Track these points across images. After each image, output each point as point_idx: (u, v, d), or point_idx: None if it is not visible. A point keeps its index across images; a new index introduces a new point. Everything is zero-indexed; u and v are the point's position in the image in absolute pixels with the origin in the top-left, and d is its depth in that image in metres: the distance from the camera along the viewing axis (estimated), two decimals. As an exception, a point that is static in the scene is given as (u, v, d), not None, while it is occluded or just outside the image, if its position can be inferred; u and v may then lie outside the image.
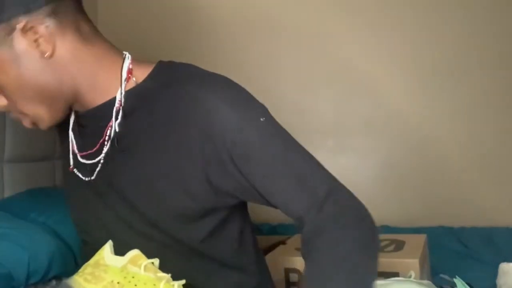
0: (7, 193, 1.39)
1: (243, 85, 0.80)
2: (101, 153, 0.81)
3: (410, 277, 0.91)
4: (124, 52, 0.81)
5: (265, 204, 0.78)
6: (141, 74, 0.80)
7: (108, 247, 0.76)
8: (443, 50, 1.85)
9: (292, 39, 1.99)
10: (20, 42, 0.70)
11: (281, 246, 1.37)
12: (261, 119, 0.75)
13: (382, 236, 1.35)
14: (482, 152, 1.83)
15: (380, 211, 1.94)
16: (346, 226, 0.70)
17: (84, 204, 0.86)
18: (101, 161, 0.81)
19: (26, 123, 0.78)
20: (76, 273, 0.75)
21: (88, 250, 0.83)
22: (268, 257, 1.25)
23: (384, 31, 1.91)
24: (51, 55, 0.72)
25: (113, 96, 0.78)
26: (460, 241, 1.68)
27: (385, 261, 1.13)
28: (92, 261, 0.76)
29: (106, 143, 0.80)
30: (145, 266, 0.73)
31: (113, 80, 0.78)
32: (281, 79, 2.00)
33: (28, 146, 1.48)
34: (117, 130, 0.79)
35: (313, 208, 0.72)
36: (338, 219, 0.71)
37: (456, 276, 0.99)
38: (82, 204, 0.87)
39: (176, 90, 0.76)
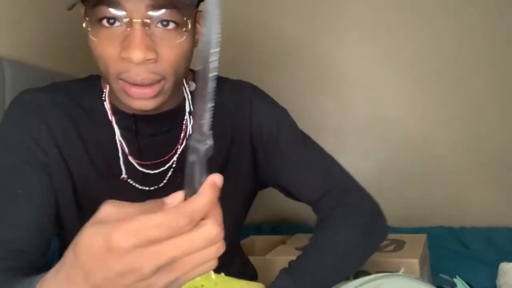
0: None
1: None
2: (169, 160, 0.80)
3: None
4: None
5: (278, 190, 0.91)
6: (190, 79, 0.86)
7: None
8: (442, 51, 1.85)
9: (293, 39, 1.99)
10: (201, 25, 0.75)
11: (281, 246, 1.37)
12: (290, 118, 0.91)
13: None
14: (482, 152, 1.83)
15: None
16: (355, 214, 0.82)
17: None
18: (172, 167, 0.80)
19: (154, 89, 0.71)
20: None
21: None
22: (268, 257, 1.25)
23: (384, 32, 1.91)
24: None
25: (179, 101, 0.82)
26: (460, 241, 1.68)
27: (385, 261, 1.13)
28: None
29: (179, 148, 0.81)
30: None
31: (181, 85, 0.82)
32: (281, 79, 2.00)
33: None
34: (191, 133, 0.79)
35: (330, 195, 0.84)
36: (350, 206, 0.83)
37: (456, 276, 0.99)
38: None
39: (222, 95, 0.85)
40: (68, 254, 0.45)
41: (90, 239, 0.42)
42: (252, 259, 1.03)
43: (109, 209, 0.44)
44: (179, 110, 0.82)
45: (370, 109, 1.94)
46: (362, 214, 0.83)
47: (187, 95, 0.83)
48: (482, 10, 1.80)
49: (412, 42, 1.89)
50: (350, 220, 0.81)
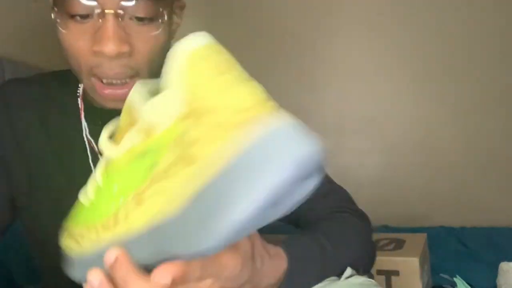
0: None
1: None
2: None
3: (350, 276, 0.81)
4: None
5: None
6: None
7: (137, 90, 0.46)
8: (444, 49, 1.85)
9: (292, 38, 1.99)
10: (179, 16, 0.73)
11: (281, 246, 1.37)
12: None
13: (382, 235, 1.35)
14: (482, 152, 1.83)
15: (380, 211, 1.95)
16: (353, 225, 0.74)
17: None
18: None
19: (128, 88, 0.64)
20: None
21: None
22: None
23: (385, 31, 1.91)
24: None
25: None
26: (460, 241, 1.68)
27: (385, 259, 1.13)
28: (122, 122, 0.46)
29: None
30: None
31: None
32: (280, 79, 2.00)
33: None
34: None
35: (326, 212, 0.76)
36: (346, 216, 0.75)
37: (457, 276, 0.98)
38: None
39: None
40: None
41: None
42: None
43: None
44: None
45: (370, 109, 1.94)
46: (361, 218, 0.77)
47: None
48: (486, 7, 1.80)
49: (414, 41, 1.88)
50: (352, 220, 0.75)
